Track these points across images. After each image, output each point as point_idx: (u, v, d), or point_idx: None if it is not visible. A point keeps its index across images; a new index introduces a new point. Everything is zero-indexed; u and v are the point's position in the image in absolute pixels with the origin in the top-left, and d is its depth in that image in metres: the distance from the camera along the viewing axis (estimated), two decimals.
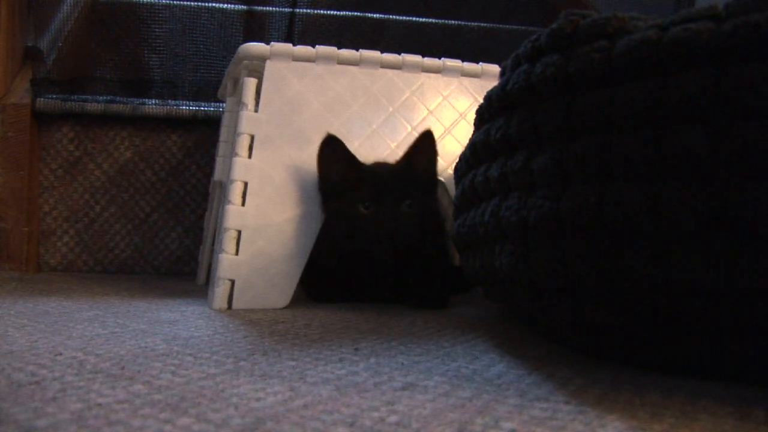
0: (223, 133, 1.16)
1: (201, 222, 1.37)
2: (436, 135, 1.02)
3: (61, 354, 0.50)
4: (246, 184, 0.89)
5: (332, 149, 0.89)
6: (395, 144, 0.98)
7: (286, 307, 0.86)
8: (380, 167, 0.92)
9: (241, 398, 0.39)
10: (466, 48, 1.49)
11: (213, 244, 1.14)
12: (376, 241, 0.86)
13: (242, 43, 0.97)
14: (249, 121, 0.91)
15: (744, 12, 0.43)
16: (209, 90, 1.43)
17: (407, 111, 1.00)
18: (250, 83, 0.94)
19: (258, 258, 0.86)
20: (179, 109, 1.40)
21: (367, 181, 0.88)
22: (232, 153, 0.93)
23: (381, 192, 0.87)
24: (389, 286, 0.92)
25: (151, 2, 1.43)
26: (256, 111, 0.93)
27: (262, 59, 0.95)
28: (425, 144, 0.92)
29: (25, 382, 0.42)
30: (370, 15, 1.51)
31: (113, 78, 1.42)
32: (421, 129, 1.01)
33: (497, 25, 1.54)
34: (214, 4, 1.46)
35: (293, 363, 0.50)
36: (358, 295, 0.93)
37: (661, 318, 0.45)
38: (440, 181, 1.01)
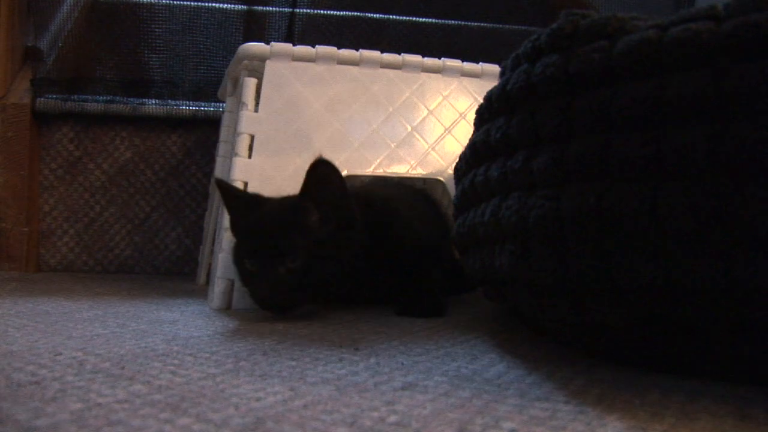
0: (223, 133, 1.16)
1: (201, 222, 1.37)
2: (436, 135, 1.02)
3: (61, 354, 0.50)
4: (246, 184, 0.89)
5: (226, 192, 0.82)
6: (395, 144, 0.98)
7: None
8: (270, 212, 0.78)
9: (241, 398, 0.39)
10: (466, 48, 1.49)
11: (213, 244, 1.14)
12: (259, 301, 0.75)
13: (242, 43, 0.97)
14: (249, 121, 0.91)
15: (744, 12, 0.42)
16: (209, 90, 1.43)
17: (407, 111, 1.00)
18: (250, 83, 0.94)
19: None
20: (179, 109, 1.40)
21: (246, 231, 0.79)
22: (232, 153, 0.93)
23: (256, 248, 0.75)
24: (378, 294, 0.88)
25: (151, 2, 1.43)
26: (256, 111, 0.93)
27: (262, 59, 0.95)
28: (320, 175, 0.75)
29: (25, 382, 0.42)
30: (370, 15, 1.51)
31: (113, 78, 1.42)
32: (421, 129, 1.01)
33: (497, 25, 1.54)
34: (214, 4, 1.46)
35: (293, 363, 0.50)
36: (348, 301, 0.89)
37: (661, 318, 0.45)
38: (440, 181, 1.01)
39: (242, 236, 0.80)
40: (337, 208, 0.77)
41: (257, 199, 0.81)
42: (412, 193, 1.06)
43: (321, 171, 0.75)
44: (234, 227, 0.83)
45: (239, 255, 0.78)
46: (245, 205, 0.81)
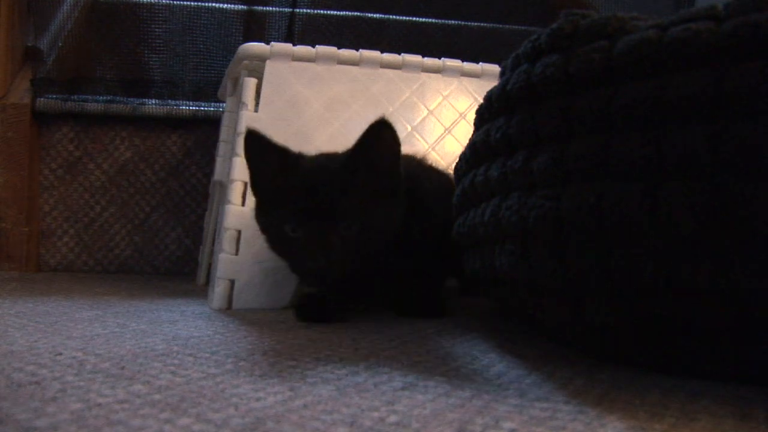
0: (223, 133, 1.16)
1: (201, 222, 1.37)
2: (436, 135, 1.02)
3: (61, 354, 0.50)
4: (246, 184, 0.89)
5: (257, 145, 0.71)
6: None
7: (286, 307, 0.86)
8: (317, 170, 0.70)
9: (241, 398, 0.39)
10: (466, 48, 1.49)
11: (213, 244, 1.14)
12: (311, 272, 0.69)
13: (242, 43, 0.97)
14: (249, 121, 0.91)
15: (744, 12, 0.42)
16: (209, 90, 1.43)
17: (407, 111, 1.00)
18: (250, 83, 0.94)
19: (258, 258, 0.86)
20: (179, 109, 1.40)
21: (294, 192, 0.68)
22: (232, 153, 0.93)
23: (308, 211, 0.67)
24: (376, 294, 0.83)
25: (151, 2, 1.43)
26: (256, 111, 0.93)
27: (262, 59, 0.95)
28: (379, 136, 0.69)
29: (25, 382, 0.42)
30: (370, 15, 1.51)
31: (113, 78, 1.42)
32: (421, 129, 1.01)
33: (497, 25, 1.54)
34: (214, 4, 1.46)
35: (293, 363, 0.50)
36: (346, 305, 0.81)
37: (661, 318, 0.45)
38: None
39: (280, 197, 0.69)
40: (390, 174, 0.71)
41: (294, 153, 0.72)
42: (437, 173, 0.94)
43: (382, 131, 0.68)
44: (263, 186, 0.73)
45: (276, 219, 0.69)
46: (281, 160, 0.70)
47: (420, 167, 0.88)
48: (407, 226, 0.74)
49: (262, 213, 0.73)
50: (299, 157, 0.72)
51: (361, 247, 0.68)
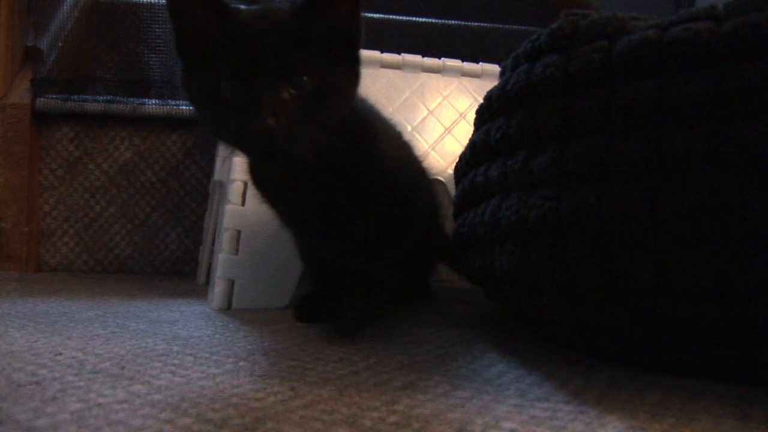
0: None
1: (201, 222, 1.37)
2: (436, 135, 1.02)
3: (61, 354, 0.50)
4: (246, 184, 0.89)
5: None
6: None
7: (286, 307, 0.86)
8: (262, 18, 0.58)
9: (241, 398, 0.39)
10: (466, 48, 1.49)
11: (213, 244, 1.14)
12: (257, 139, 0.54)
13: None
14: None
15: (744, 12, 0.43)
16: None
17: (407, 111, 1.00)
18: None
19: (258, 258, 0.86)
20: (179, 109, 1.40)
21: (234, 43, 0.55)
22: (232, 153, 0.93)
23: (253, 63, 0.54)
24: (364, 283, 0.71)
25: (151, 2, 1.43)
26: None
27: None
28: None
29: (25, 382, 0.42)
30: (370, 15, 1.51)
31: (113, 78, 1.42)
32: (421, 129, 1.01)
33: (497, 25, 1.54)
34: None
35: (293, 363, 0.50)
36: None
37: (661, 318, 0.45)
38: (441, 181, 1.01)
39: (215, 52, 0.56)
40: (349, 28, 0.62)
41: (230, 3, 0.59)
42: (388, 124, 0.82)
43: None
44: (192, 43, 0.58)
45: (210, 78, 0.55)
46: (216, 9, 0.57)
47: (372, 111, 0.77)
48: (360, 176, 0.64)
49: (191, 77, 0.58)
50: (237, 7, 0.59)
51: (319, 110, 0.56)
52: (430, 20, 1.53)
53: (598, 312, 0.48)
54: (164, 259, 1.40)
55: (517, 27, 1.53)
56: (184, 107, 1.41)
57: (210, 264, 1.08)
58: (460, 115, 1.03)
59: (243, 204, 0.88)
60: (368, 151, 0.65)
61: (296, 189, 0.64)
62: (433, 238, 0.87)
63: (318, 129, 0.56)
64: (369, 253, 0.70)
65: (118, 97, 1.40)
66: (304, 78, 0.55)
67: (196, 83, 0.58)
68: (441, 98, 1.03)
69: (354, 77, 0.63)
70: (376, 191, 0.66)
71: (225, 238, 0.87)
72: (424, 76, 1.02)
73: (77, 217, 1.38)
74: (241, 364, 0.49)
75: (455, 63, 1.04)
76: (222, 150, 1.15)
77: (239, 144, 0.58)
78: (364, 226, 0.67)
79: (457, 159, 0.77)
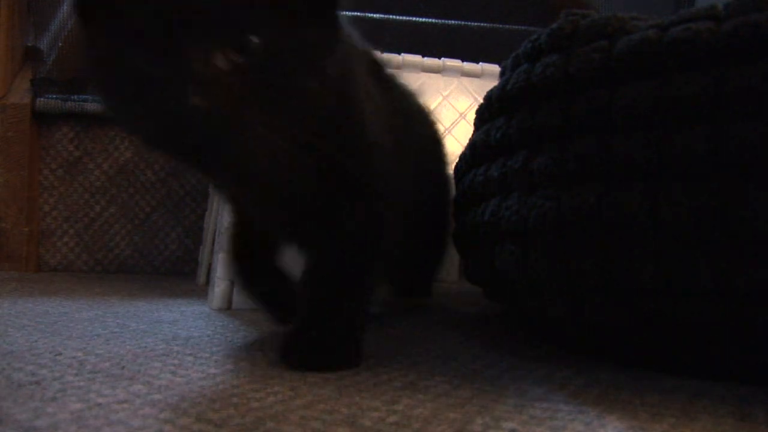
0: None
1: (201, 222, 1.37)
2: None
3: (61, 354, 0.50)
4: None
5: None
6: None
7: None
8: None
9: (241, 398, 0.39)
10: (466, 48, 1.49)
11: (213, 244, 1.13)
12: (172, 143, 0.41)
13: None
14: None
15: (744, 12, 0.43)
16: None
17: None
18: None
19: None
20: None
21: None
22: None
23: (169, 14, 0.37)
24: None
25: None
26: None
27: None
28: None
29: (25, 382, 0.42)
30: (370, 15, 1.51)
31: None
32: None
33: (497, 25, 1.54)
34: None
35: None
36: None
37: (660, 318, 0.45)
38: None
39: (126, 14, 0.38)
40: None
41: None
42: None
43: None
44: (95, 6, 0.40)
45: (112, 43, 0.40)
46: None
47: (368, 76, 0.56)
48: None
49: (94, 46, 0.42)
50: None
51: (275, 87, 0.39)
52: (430, 20, 1.53)
53: (598, 312, 0.48)
54: (164, 259, 1.40)
55: (517, 27, 1.53)
56: None
57: (210, 264, 1.08)
58: (460, 115, 1.03)
59: None
60: (367, 162, 0.50)
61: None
62: (437, 237, 0.85)
63: (276, 117, 0.39)
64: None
65: None
66: (252, 38, 0.38)
67: (97, 54, 0.42)
68: (441, 98, 1.03)
69: (331, 43, 0.43)
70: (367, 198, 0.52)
71: (225, 238, 0.87)
72: (424, 76, 1.02)
73: (77, 217, 1.38)
74: (241, 364, 0.49)
75: (455, 63, 1.04)
76: None
77: (156, 141, 0.42)
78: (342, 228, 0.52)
79: (457, 159, 0.77)
